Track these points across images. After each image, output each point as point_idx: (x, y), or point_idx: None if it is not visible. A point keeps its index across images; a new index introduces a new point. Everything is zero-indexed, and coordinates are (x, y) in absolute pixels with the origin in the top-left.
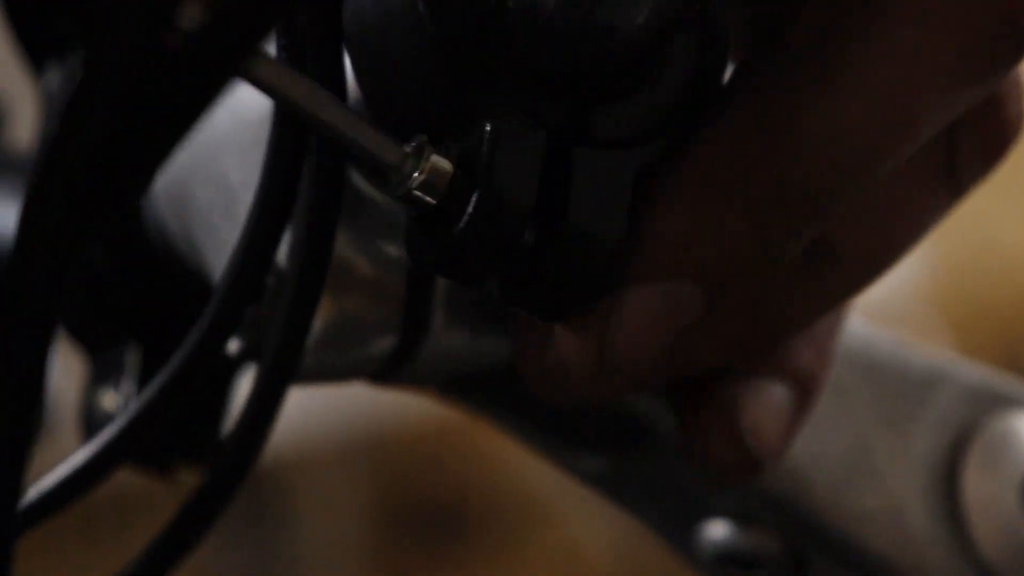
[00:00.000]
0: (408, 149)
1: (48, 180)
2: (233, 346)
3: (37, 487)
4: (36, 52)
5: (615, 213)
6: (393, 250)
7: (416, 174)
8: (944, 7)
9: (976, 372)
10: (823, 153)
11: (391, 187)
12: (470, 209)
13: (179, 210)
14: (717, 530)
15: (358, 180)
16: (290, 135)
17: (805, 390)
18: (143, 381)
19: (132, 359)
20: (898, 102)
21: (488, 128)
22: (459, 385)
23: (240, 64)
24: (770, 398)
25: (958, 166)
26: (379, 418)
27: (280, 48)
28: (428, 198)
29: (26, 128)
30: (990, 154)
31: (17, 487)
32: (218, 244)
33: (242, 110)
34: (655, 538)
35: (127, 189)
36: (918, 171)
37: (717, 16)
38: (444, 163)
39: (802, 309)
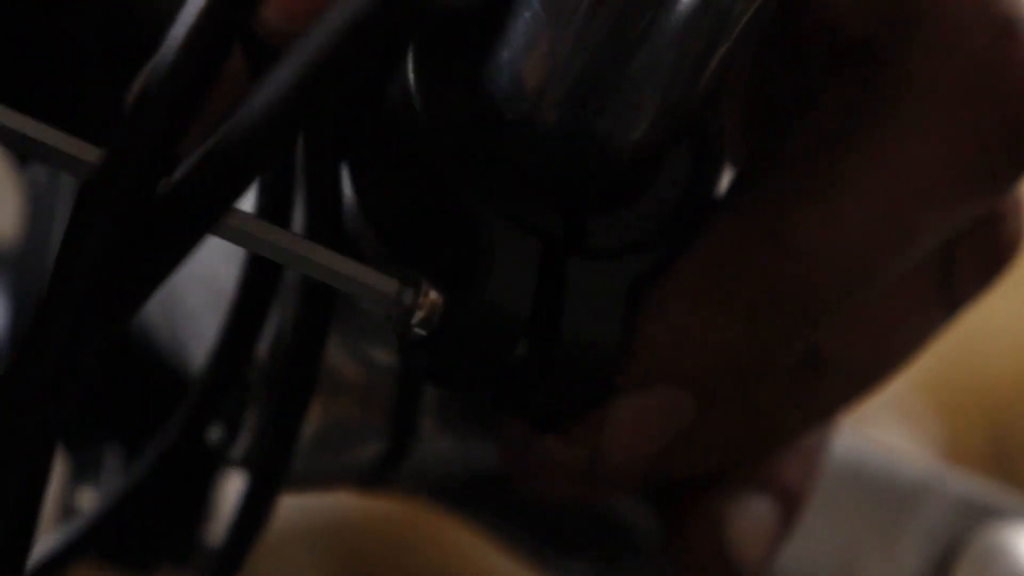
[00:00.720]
0: (405, 291)
1: (50, 306)
2: (214, 435)
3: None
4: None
5: (609, 323)
6: (381, 355)
7: (417, 312)
8: (945, 119)
9: (965, 483)
10: (818, 263)
11: (393, 326)
12: (465, 320)
13: (167, 310)
14: None
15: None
16: (258, 268)
17: (790, 505)
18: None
19: (112, 455)
20: (896, 214)
21: (484, 238)
22: (447, 492)
23: (217, 221)
24: (755, 512)
25: (955, 282)
26: (342, 499)
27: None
28: (425, 331)
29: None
30: (987, 271)
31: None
32: (204, 344)
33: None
34: None
35: (114, 317)
36: (913, 284)
37: (712, 129)
38: (436, 295)
39: (793, 419)
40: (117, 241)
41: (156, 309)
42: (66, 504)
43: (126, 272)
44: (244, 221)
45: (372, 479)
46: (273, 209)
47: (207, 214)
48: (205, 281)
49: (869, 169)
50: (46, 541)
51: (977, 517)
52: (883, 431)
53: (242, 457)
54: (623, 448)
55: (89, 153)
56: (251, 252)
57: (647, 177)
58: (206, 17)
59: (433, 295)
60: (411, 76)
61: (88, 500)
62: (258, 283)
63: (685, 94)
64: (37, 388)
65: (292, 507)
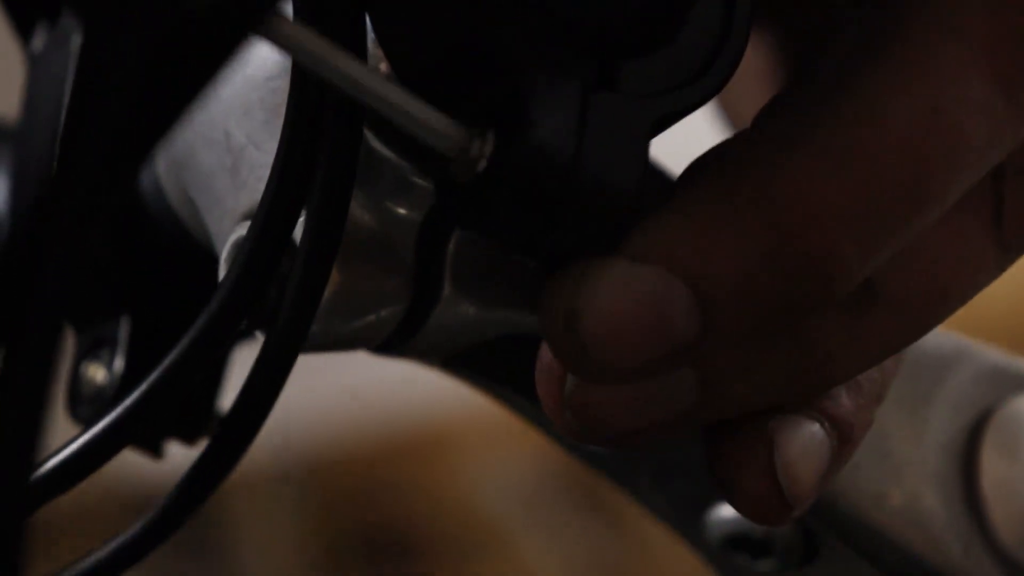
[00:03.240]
0: (473, 133)
1: (75, 135)
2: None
3: (42, 468)
4: (24, 16)
5: (632, 159)
6: (404, 211)
7: (482, 161)
8: (979, 25)
9: (993, 354)
10: (865, 172)
11: (455, 171)
12: (517, 164)
13: (179, 173)
14: (726, 514)
15: (368, 137)
16: (308, 104)
17: (845, 435)
18: (134, 356)
19: (123, 332)
20: (940, 116)
21: (524, 81)
22: (464, 358)
23: (261, 26)
24: (810, 438)
25: (1005, 223)
26: (315, 443)
27: (295, 9)
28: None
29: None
30: None
31: (29, 469)
32: (221, 207)
33: (247, 69)
34: (611, 560)
35: (142, 148)
36: (965, 221)
37: None
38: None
39: (847, 355)
40: (147, 48)
41: (167, 174)
42: (74, 382)
43: (157, 87)
44: (313, 41)
45: (389, 344)
46: (304, 75)
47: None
48: (218, 142)
49: (905, 72)
50: (85, 433)
51: (1005, 388)
52: None
53: (265, 322)
54: (608, 323)
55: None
56: (288, 126)
57: (678, 20)
58: None
59: (491, 141)
60: None
61: (99, 377)
62: (295, 164)
63: None
64: (44, 251)
65: (267, 450)
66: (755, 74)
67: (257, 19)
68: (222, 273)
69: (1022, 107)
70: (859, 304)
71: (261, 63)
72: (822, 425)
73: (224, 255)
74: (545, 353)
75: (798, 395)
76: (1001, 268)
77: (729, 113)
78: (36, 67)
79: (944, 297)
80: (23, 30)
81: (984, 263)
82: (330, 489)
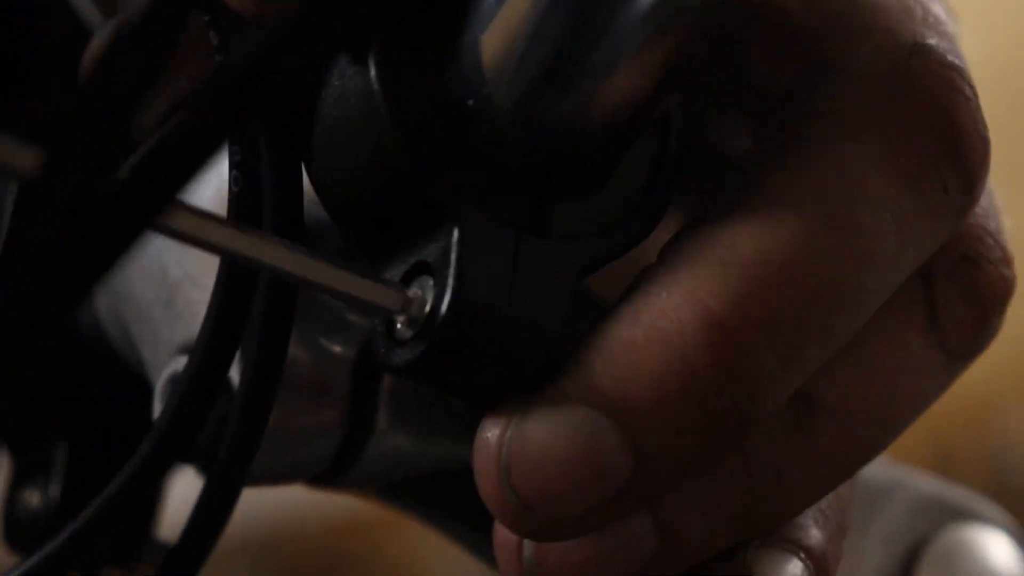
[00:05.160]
0: (410, 294)
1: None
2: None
3: None
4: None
5: (559, 304)
6: (339, 348)
7: (419, 319)
8: (876, 133)
9: (927, 483)
10: (775, 283)
11: (394, 337)
12: (443, 311)
13: (115, 304)
14: None
15: None
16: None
17: (820, 568)
18: (70, 481)
19: (59, 458)
20: (847, 220)
21: (455, 230)
22: (400, 489)
23: (161, 217)
24: (790, 572)
25: (942, 324)
26: (276, 512)
27: (232, 167)
28: (411, 331)
29: None
30: (975, 316)
31: None
32: (156, 337)
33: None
34: None
35: (57, 307)
36: (900, 325)
37: (670, 126)
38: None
39: (797, 476)
40: (60, 236)
41: (104, 305)
42: (11, 507)
43: (68, 267)
44: (230, 232)
45: (326, 476)
46: (244, 213)
47: (150, 207)
48: (154, 276)
49: (804, 179)
50: (22, 564)
51: (939, 518)
52: None
53: (201, 455)
54: (536, 478)
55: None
56: (221, 275)
57: (607, 167)
58: None
59: (428, 300)
60: (372, 67)
61: (34, 500)
62: (236, 287)
63: (646, 86)
64: None
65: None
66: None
67: (153, 216)
68: (157, 408)
69: (932, 206)
70: (801, 419)
71: (196, 200)
72: (799, 558)
73: (159, 389)
74: (500, 529)
75: (762, 525)
76: (951, 374)
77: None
78: None
79: (891, 407)
80: None
81: (929, 370)
82: (288, 559)
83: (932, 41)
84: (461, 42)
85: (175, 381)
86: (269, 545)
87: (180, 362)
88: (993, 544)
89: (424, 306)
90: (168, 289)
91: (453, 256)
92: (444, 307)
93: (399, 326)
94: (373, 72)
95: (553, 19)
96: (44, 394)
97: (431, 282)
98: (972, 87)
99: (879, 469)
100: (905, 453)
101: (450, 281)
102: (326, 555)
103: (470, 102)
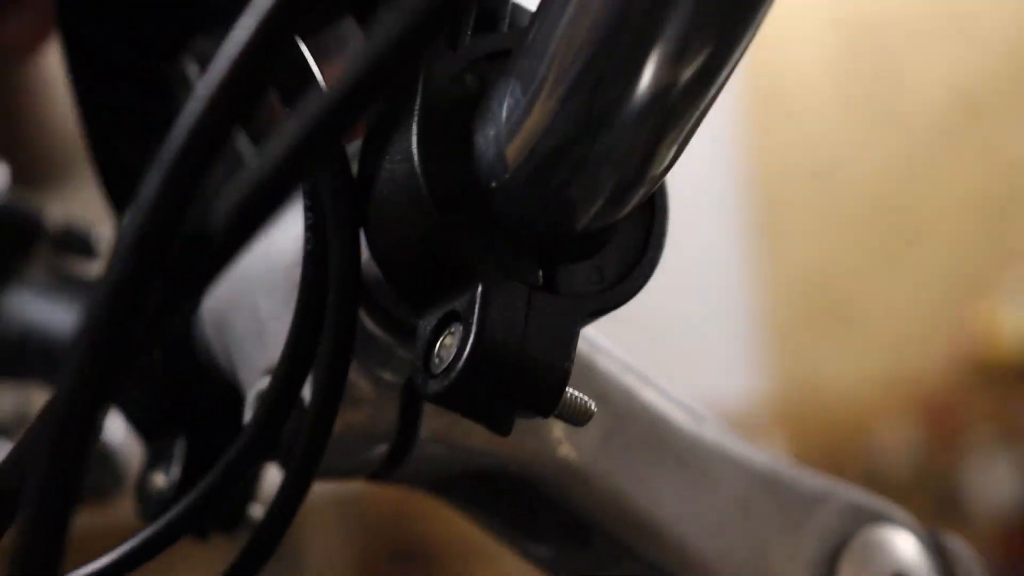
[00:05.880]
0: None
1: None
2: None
3: (110, 555)
4: (118, 197)
5: (564, 348)
6: (389, 376)
7: (449, 354)
8: None
9: (852, 492)
10: None
11: (429, 370)
12: (467, 352)
13: (220, 334)
14: None
15: (363, 317)
16: (316, 290)
17: None
18: (187, 467)
19: (179, 448)
20: None
21: (479, 286)
22: (442, 487)
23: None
24: None
25: None
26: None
27: (306, 230)
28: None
29: None
30: None
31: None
32: (250, 364)
33: (273, 256)
34: None
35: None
36: None
37: (660, 204)
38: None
39: None
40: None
41: (212, 334)
42: (142, 486)
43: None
44: None
45: (379, 474)
46: (314, 266)
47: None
48: (249, 312)
49: None
50: (146, 530)
51: (862, 519)
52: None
53: (282, 454)
54: None
55: None
56: (302, 295)
57: (606, 238)
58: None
59: (458, 337)
60: (415, 154)
61: (159, 481)
62: (309, 324)
63: (636, 176)
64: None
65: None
66: None
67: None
68: (247, 415)
69: None
70: None
71: (280, 254)
72: None
73: (249, 401)
74: None
75: None
76: None
77: None
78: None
79: None
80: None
81: None
82: (368, 511)
83: None
84: (487, 135)
85: (262, 397)
86: (352, 500)
87: (265, 382)
88: (900, 541)
89: (453, 347)
90: (258, 325)
91: (477, 307)
92: (468, 348)
93: (435, 360)
94: (417, 160)
95: (561, 124)
96: (169, 398)
97: (460, 327)
98: None
99: (816, 479)
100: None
101: (474, 327)
102: (398, 507)
103: (493, 184)
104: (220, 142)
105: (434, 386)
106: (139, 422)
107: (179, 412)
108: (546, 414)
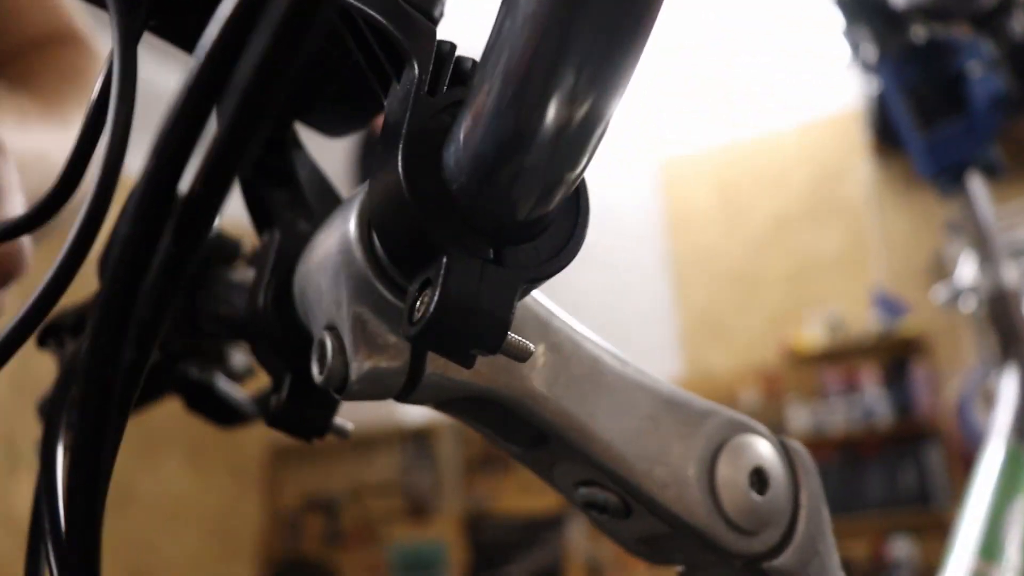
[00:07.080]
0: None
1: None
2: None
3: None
4: (261, 220)
5: (508, 305)
6: (403, 331)
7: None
8: None
9: (729, 411)
10: None
11: (411, 320)
12: (433, 307)
13: (301, 298)
14: (583, 490)
15: (383, 290)
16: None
17: None
18: (291, 392)
19: (288, 380)
20: None
21: (444, 260)
22: (446, 406)
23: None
24: None
25: None
26: (418, 413)
27: None
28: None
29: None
30: None
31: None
32: (317, 321)
33: (325, 248)
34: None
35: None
36: None
37: (583, 199)
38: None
39: None
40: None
41: (300, 301)
42: (265, 402)
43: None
44: None
45: (400, 396)
46: None
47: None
48: (314, 286)
49: None
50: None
51: (736, 430)
52: None
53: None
54: None
55: None
56: None
57: (542, 227)
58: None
59: (430, 297)
60: (400, 168)
61: (274, 402)
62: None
63: (556, 180)
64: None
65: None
66: None
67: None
68: (314, 361)
69: None
70: None
71: (328, 248)
72: None
73: (315, 348)
74: None
75: None
76: None
77: None
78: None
79: None
80: (259, 229)
81: None
82: (470, 432)
83: None
84: (448, 152)
85: (321, 346)
86: (461, 427)
87: (326, 335)
88: (760, 445)
89: (426, 304)
90: (319, 293)
91: (442, 274)
92: (434, 303)
93: (416, 314)
94: (400, 170)
95: (497, 141)
96: (282, 345)
97: (431, 290)
98: None
99: (703, 402)
100: None
101: (439, 288)
102: (457, 433)
103: (455, 187)
104: (198, 123)
105: (412, 331)
106: (264, 363)
107: (286, 354)
108: (493, 351)
